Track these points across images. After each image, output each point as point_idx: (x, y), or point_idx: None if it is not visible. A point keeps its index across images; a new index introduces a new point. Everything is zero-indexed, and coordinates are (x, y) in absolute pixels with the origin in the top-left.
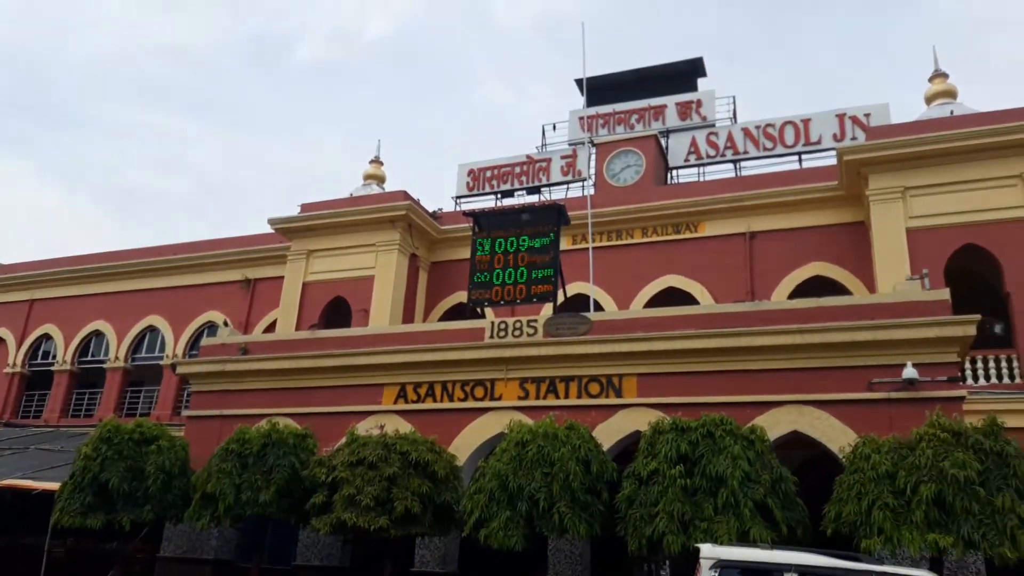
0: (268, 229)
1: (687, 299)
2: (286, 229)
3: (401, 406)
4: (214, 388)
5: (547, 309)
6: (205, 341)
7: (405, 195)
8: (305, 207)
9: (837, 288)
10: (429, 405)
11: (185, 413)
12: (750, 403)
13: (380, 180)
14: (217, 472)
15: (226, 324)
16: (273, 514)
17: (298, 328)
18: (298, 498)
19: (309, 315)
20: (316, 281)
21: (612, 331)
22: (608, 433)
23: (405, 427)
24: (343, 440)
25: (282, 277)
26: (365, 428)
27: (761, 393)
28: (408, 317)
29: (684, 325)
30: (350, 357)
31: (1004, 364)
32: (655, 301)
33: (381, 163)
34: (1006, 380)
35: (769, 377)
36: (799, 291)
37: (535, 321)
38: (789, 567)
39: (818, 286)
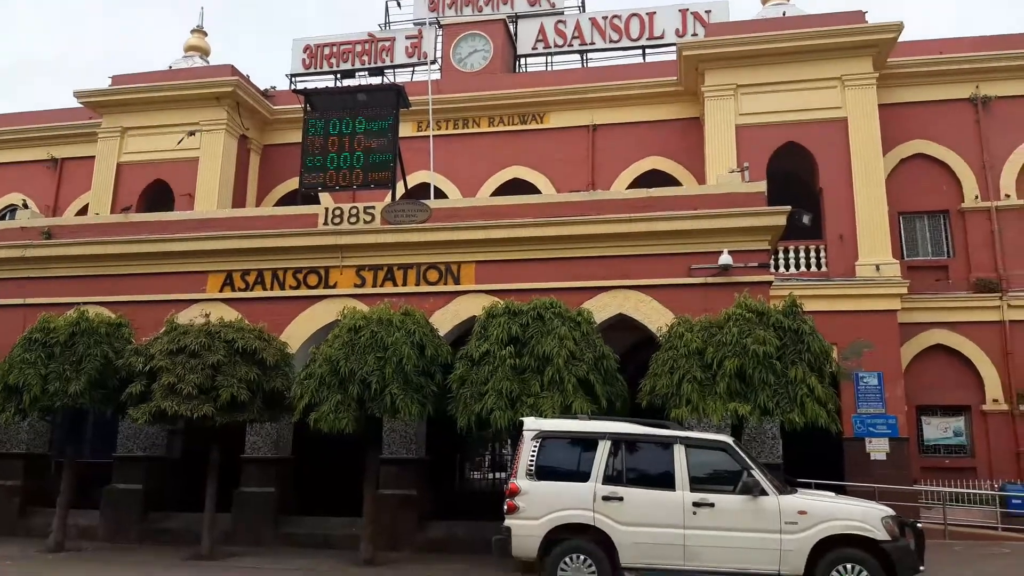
0: (77, 104)
1: (531, 190)
2: (96, 103)
3: (227, 294)
4: (14, 275)
5: (388, 197)
6: (1, 224)
7: (232, 70)
8: (117, 79)
9: (672, 181)
10: (258, 293)
11: None
12: (580, 288)
13: (204, 53)
14: (20, 363)
15: (25, 206)
16: (85, 405)
17: (114, 213)
18: (113, 388)
19: (126, 199)
20: (133, 162)
21: (451, 219)
22: (445, 319)
23: (232, 316)
24: (163, 329)
25: (94, 157)
26: (188, 317)
27: (591, 279)
28: (239, 203)
29: (521, 214)
30: (170, 243)
31: (812, 254)
32: (501, 191)
33: (205, 33)
34: (813, 268)
35: (599, 264)
36: (637, 183)
37: (372, 208)
38: (604, 435)
39: (655, 179)
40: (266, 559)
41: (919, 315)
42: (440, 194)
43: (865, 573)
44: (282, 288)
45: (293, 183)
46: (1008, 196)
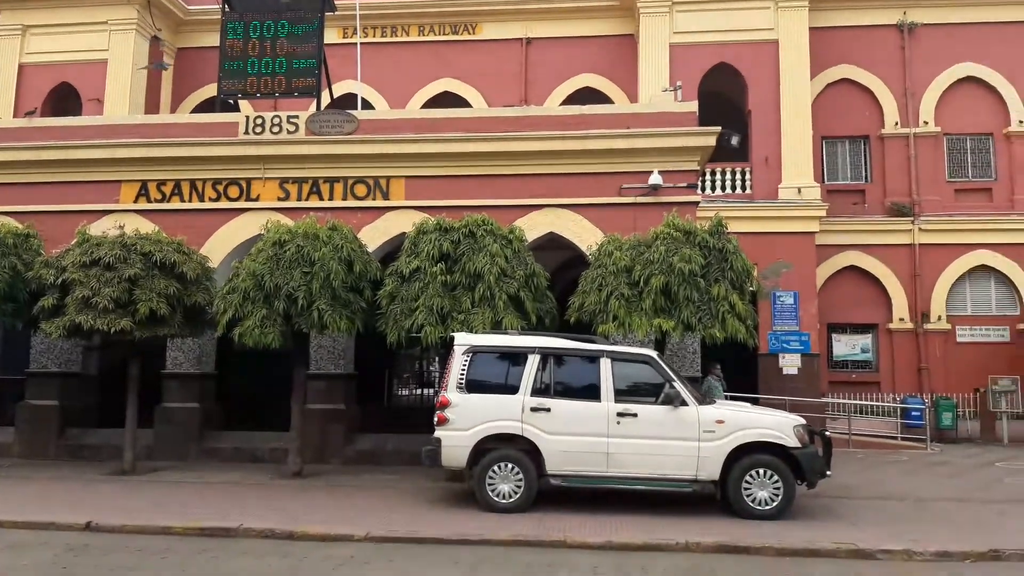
0: None
1: (462, 104)
2: None
3: (143, 205)
4: None
5: (313, 107)
6: None
7: None
8: None
9: (605, 99)
10: (176, 205)
11: None
12: (512, 206)
13: None
14: None
15: None
16: None
17: (17, 117)
18: (24, 302)
19: (29, 102)
20: (36, 63)
21: (380, 131)
22: (374, 235)
23: (148, 228)
24: (74, 241)
25: None
26: (101, 229)
27: (523, 197)
28: (151, 110)
29: (452, 128)
30: (80, 150)
31: (738, 176)
32: (431, 105)
33: None
34: (739, 190)
35: (531, 181)
36: (570, 100)
37: (296, 117)
38: (533, 349)
39: (588, 97)
40: (190, 473)
41: (835, 237)
42: (367, 105)
43: (776, 477)
44: (201, 200)
45: (210, 90)
46: (926, 123)
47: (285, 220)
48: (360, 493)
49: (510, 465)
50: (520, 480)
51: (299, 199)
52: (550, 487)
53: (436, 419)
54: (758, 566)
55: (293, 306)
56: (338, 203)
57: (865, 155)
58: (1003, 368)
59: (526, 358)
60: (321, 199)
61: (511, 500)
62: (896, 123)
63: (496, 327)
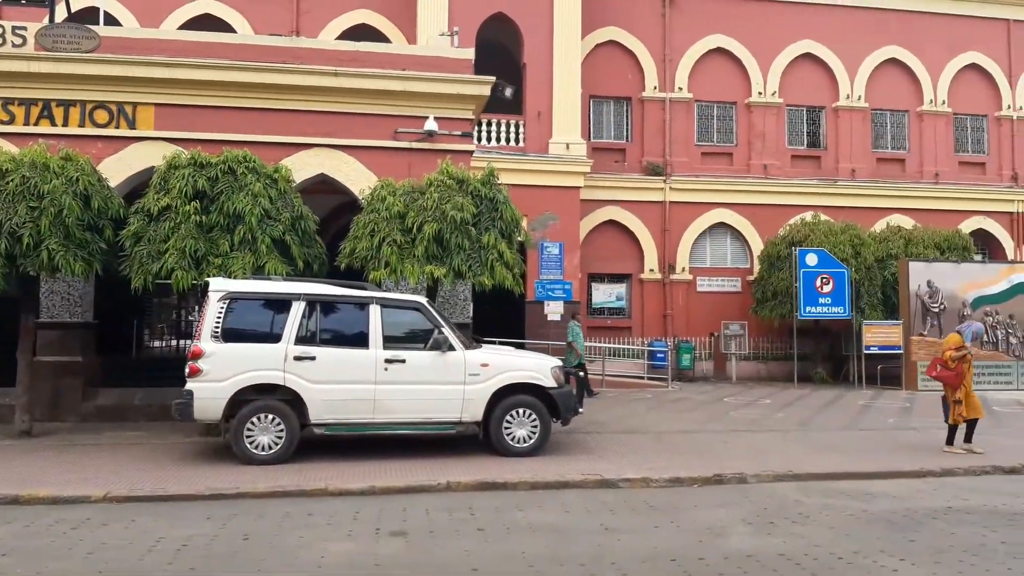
0: None
1: (226, 29)
2: None
3: None
4: None
5: (46, 19)
6: None
7: None
8: None
9: (382, 39)
10: None
11: None
12: (279, 143)
13: None
14: None
15: None
16: None
17: None
18: None
19: None
20: None
21: (126, 51)
22: (118, 168)
23: None
24: None
25: None
26: None
27: (291, 134)
28: None
29: (213, 54)
30: None
31: (512, 128)
32: (189, 27)
33: None
34: (512, 143)
35: (301, 119)
36: (345, 37)
37: (23, 29)
38: (298, 296)
39: (365, 34)
40: None
41: (598, 192)
42: (112, 22)
43: (534, 416)
44: None
45: None
46: (681, 89)
47: (8, 146)
48: (101, 451)
49: (271, 416)
50: (281, 431)
51: (26, 123)
52: (314, 437)
53: (188, 370)
54: (513, 500)
55: (17, 245)
56: (74, 130)
57: (627, 115)
58: (734, 314)
59: (290, 305)
60: (53, 124)
61: (271, 452)
62: (655, 87)
63: (259, 272)
